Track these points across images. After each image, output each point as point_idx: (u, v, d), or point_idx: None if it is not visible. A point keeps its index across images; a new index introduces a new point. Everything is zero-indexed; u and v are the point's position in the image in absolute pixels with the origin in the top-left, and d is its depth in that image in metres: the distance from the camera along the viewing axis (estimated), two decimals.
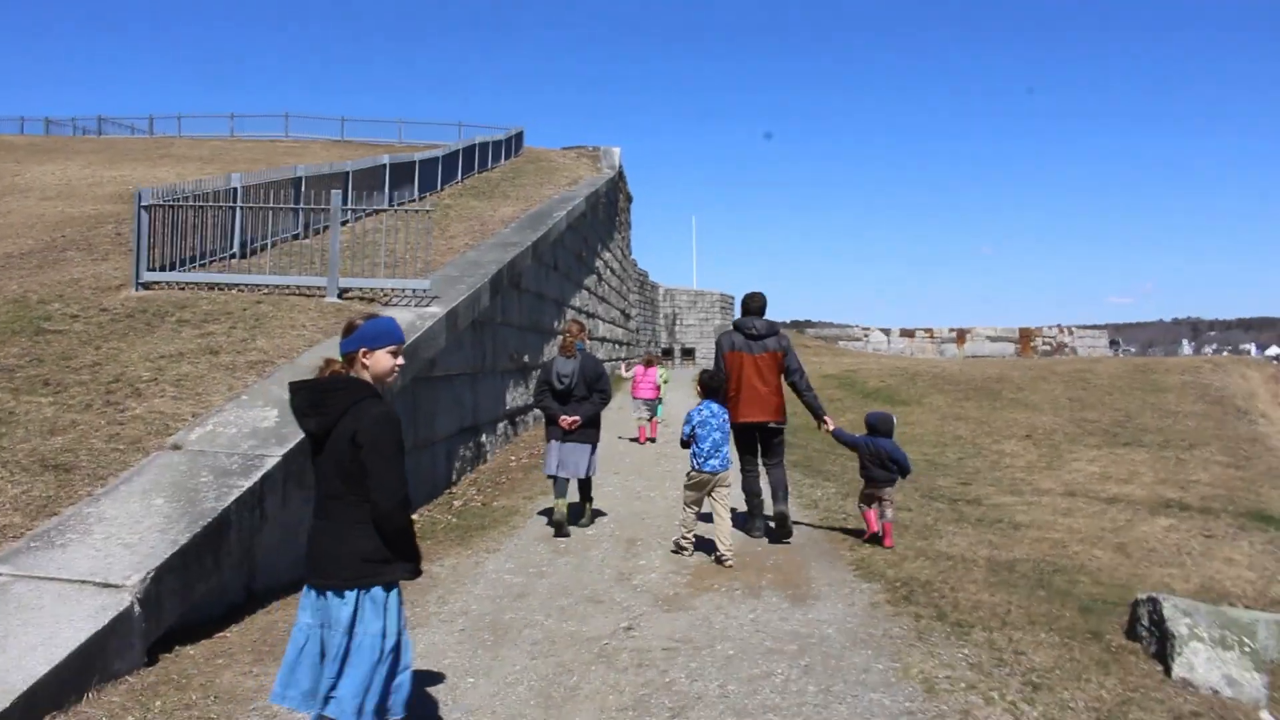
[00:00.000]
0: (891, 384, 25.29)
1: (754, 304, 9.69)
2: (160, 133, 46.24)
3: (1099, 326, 58.62)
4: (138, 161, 30.32)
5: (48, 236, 17.56)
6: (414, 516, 10.15)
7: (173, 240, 13.24)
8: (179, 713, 4.83)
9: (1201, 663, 5.87)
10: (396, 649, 4.04)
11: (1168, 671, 5.94)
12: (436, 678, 5.56)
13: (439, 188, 25.14)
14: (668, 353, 57.86)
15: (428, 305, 12.10)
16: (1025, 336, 49.56)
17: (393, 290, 12.65)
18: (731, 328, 9.74)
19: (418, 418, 10.94)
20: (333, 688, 3.90)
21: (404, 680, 4.07)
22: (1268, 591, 9.48)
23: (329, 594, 3.97)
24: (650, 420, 17.97)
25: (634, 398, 18.40)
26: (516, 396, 16.84)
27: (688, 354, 65.11)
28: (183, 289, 12.59)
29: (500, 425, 15.48)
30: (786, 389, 9.72)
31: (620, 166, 40.39)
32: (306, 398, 4.05)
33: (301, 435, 7.57)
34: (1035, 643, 6.39)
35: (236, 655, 5.80)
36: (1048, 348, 49.06)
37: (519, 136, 38.43)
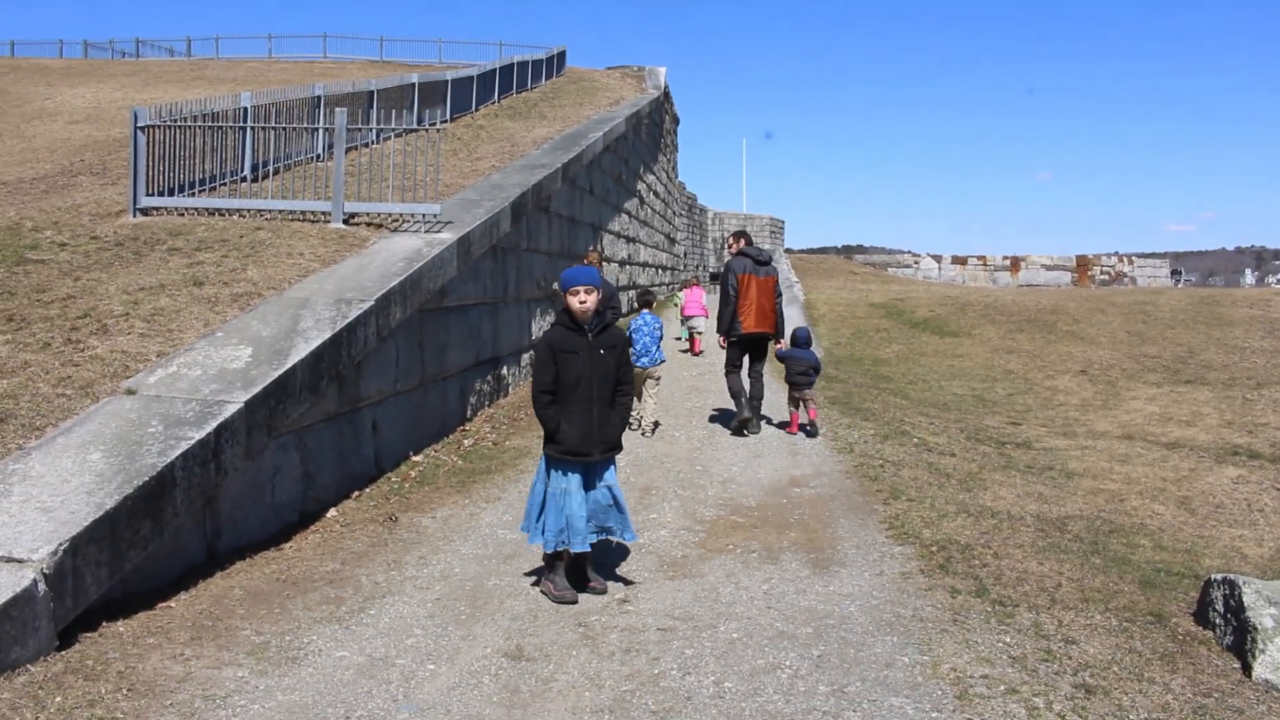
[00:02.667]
0: (940, 314, 24.19)
1: (751, 239, 11.49)
2: (198, 54, 45.49)
3: (1159, 255, 56.62)
4: (170, 83, 29.62)
5: (66, 161, 16.94)
6: (417, 458, 9.53)
7: (176, 163, 12.51)
8: (79, 711, 4.15)
9: None
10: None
11: (1247, 670, 5.07)
12: (392, 665, 4.85)
13: (474, 108, 24.18)
14: (715, 277, 56.78)
15: (438, 231, 11.30)
16: (1082, 265, 47.75)
17: (401, 215, 11.87)
18: (739, 255, 11.20)
19: (424, 352, 10.20)
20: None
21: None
22: None
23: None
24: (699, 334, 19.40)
25: (683, 316, 19.90)
26: (544, 325, 16.08)
27: None
28: (182, 215, 11.88)
29: (525, 356, 14.73)
30: None
31: (666, 86, 39.04)
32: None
33: (272, 377, 6.89)
34: (1089, 627, 5.55)
35: (173, 632, 5.13)
36: (1105, 277, 47.30)
37: (561, 56, 37.17)
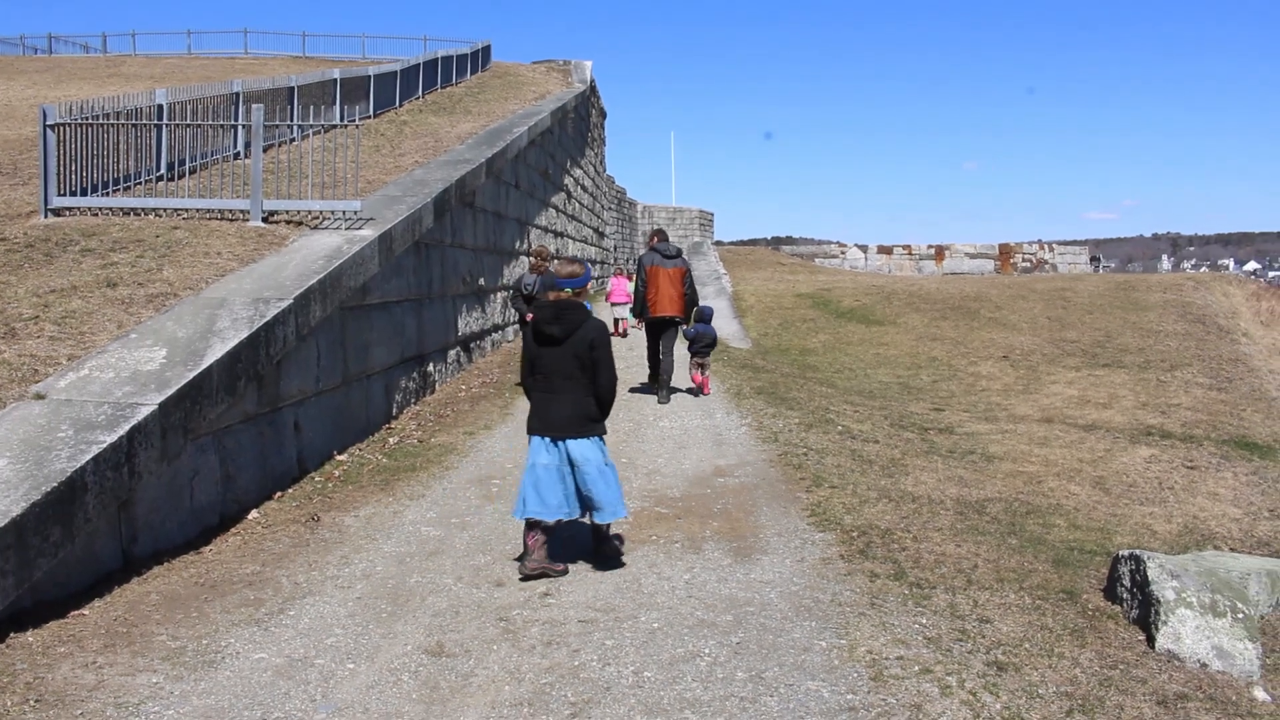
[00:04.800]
0: (866, 303, 24.48)
1: (667, 237, 13.45)
2: (114, 51, 44.46)
3: (1080, 242, 57.76)
4: (85, 80, 28.95)
5: None
6: (341, 457, 9.45)
7: (89, 162, 12.23)
8: None
9: (1189, 632, 5.17)
10: (611, 467, 6.36)
11: (1151, 642, 5.24)
12: (311, 665, 4.81)
13: (398, 103, 23.95)
14: None
15: (360, 228, 11.19)
16: (1005, 253, 48.59)
17: (322, 213, 11.73)
18: (651, 250, 13.13)
19: (347, 350, 10.11)
20: (592, 500, 6.24)
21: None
22: (1254, 530, 8.81)
23: (567, 441, 6.24)
24: (624, 320, 21.25)
25: (610, 303, 22.26)
26: (471, 322, 16.01)
27: None
28: (96, 215, 11.62)
29: (452, 353, 14.66)
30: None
31: (592, 80, 38.97)
32: (551, 311, 6.25)
33: (188, 378, 6.79)
34: (1003, 606, 5.68)
35: (86, 640, 5.04)
36: (1028, 264, 48.17)
37: (486, 50, 36.93)
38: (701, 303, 14.03)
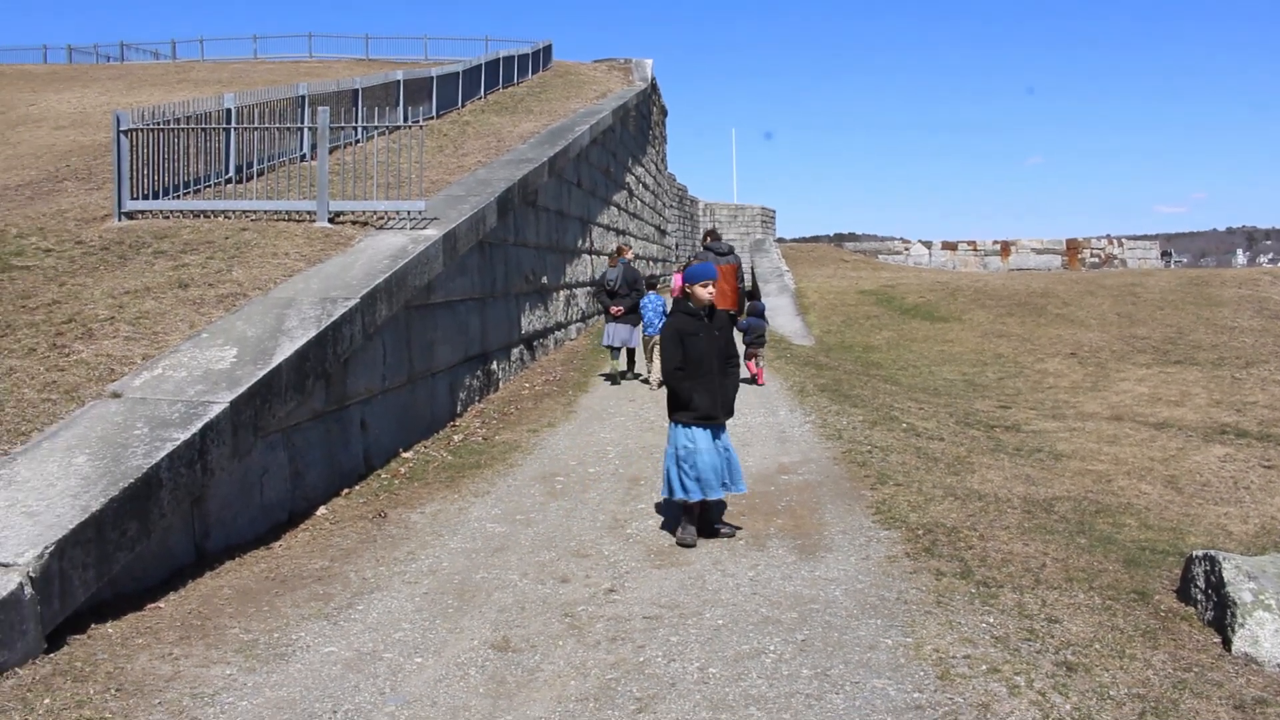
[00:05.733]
0: (930, 299, 24.21)
1: (720, 236, 14.93)
2: (183, 57, 45.38)
3: (1149, 237, 56.52)
4: (155, 87, 29.57)
5: (51, 166, 16.94)
6: (407, 455, 9.56)
7: (160, 166, 12.50)
8: (68, 712, 4.18)
9: (1268, 635, 5.04)
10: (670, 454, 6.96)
11: (1227, 644, 5.12)
12: (379, 659, 4.88)
13: (460, 104, 24.16)
14: None
15: (424, 228, 11.31)
16: (1072, 248, 47.73)
17: (387, 213, 11.87)
18: (705, 249, 14.55)
19: (412, 349, 10.22)
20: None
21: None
22: None
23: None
24: None
25: (673, 298, 20.79)
26: (534, 320, 16.11)
27: None
28: (167, 218, 11.87)
29: (515, 351, 14.76)
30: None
31: (653, 78, 38.97)
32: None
33: (258, 377, 6.92)
34: (1072, 606, 5.59)
35: (162, 632, 5.16)
36: (1096, 260, 47.29)
37: (547, 50, 37.11)
38: (763, 299, 15.60)
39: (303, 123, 15.14)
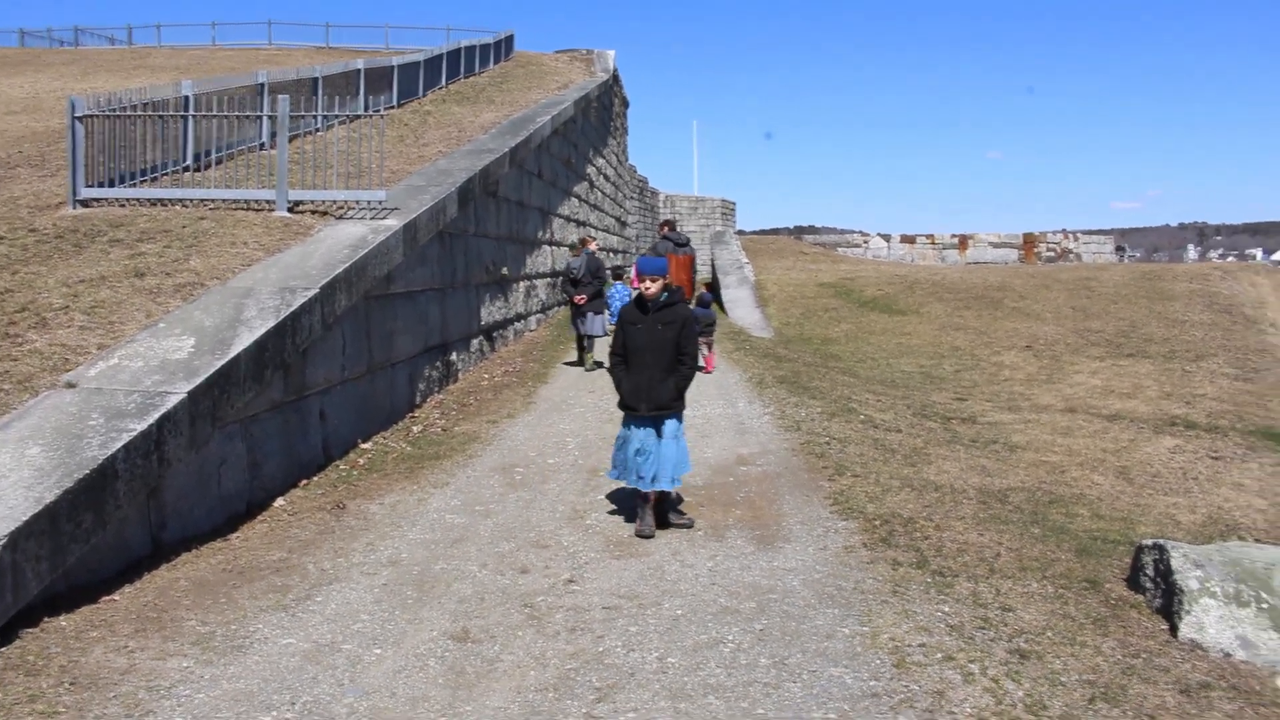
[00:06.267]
0: (889, 292, 24.39)
1: (676, 226, 16.03)
2: (139, 43, 44.72)
3: (1105, 232, 57.20)
4: (111, 73, 29.08)
5: (3, 153, 16.61)
6: (366, 446, 9.53)
7: (116, 153, 12.33)
8: (20, 706, 4.15)
9: (1213, 621, 5.17)
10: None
11: (1174, 631, 5.24)
12: (338, 650, 4.87)
13: (421, 93, 24.00)
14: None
15: (384, 218, 11.26)
16: (1029, 242, 48.20)
17: (347, 203, 11.80)
18: (663, 238, 16.10)
19: (372, 339, 10.18)
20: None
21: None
22: (1279, 521, 8.78)
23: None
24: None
25: (631, 289, 21.02)
26: (494, 311, 16.07)
27: None
28: (124, 206, 11.72)
29: (475, 341, 14.73)
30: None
31: (615, 69, 38.89)
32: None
33: (215, 367, 6.88)
34: (1025, 595, 5.69)
35: (117, 625, 5.12)
36: (1052, 254, 47.79)
37: (509, 40, 36.94)
38: (723, 291, 16.31)
39: (262, 111, 14.97)
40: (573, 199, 25.62)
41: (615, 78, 38.82)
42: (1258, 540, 7.85)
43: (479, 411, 11.46)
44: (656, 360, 6.85)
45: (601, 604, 5.51)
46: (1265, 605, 5.24)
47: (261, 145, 15.00)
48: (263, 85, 15.57)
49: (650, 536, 6.76)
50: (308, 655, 4.81)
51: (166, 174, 12.96)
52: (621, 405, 6.99)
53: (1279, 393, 14.08)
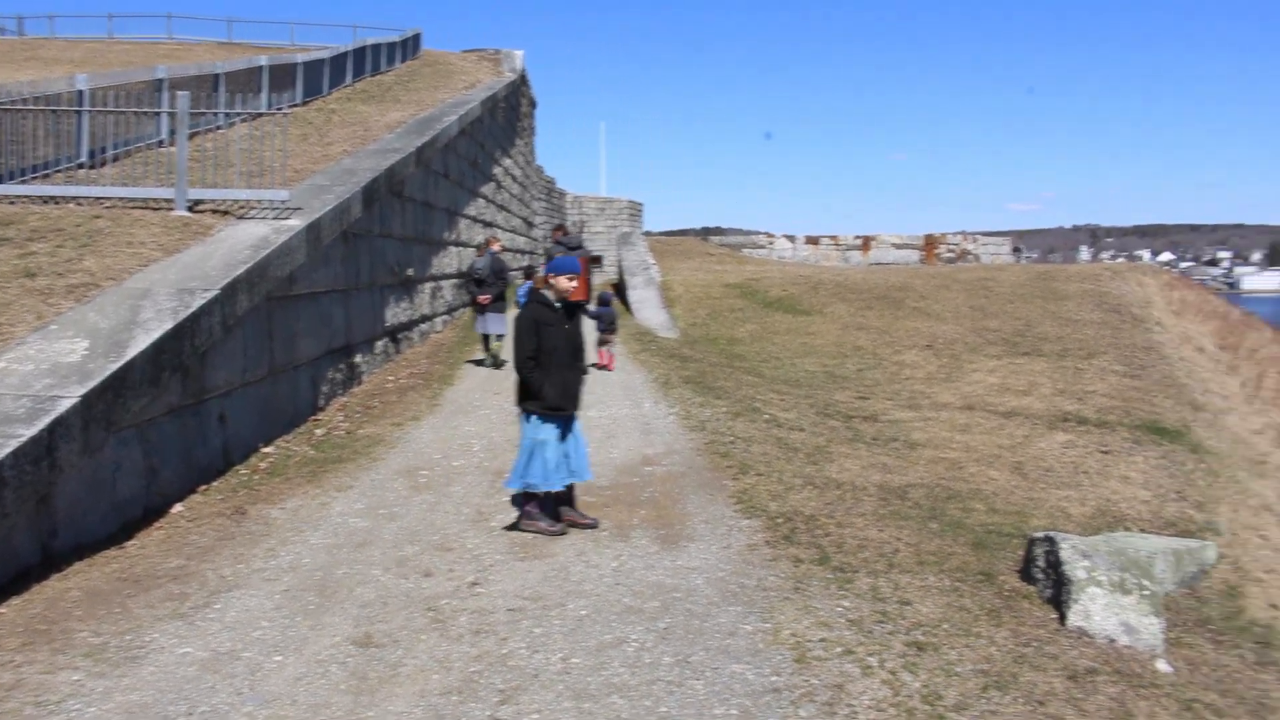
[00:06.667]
0: (793, 292, 24.69)
1: (568, 230, 16.07)
2: (31, 34, 43.17)
3: (1003, 233, 58.64)
4: (0, 64, 28.16)
5: None
6: (268, 450, 9.37)
7: (5, 149, 11.95)
8: None
9: (1099, 609, 5.37)
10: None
11: (1063, 619, 5.44)
12: (238, 658, 4.80)
13: (326, 92, 23.62)
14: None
15: (287, 218, 11.09)
16: (930, 244, 49.24)
17: (249, 202, 11.60)
18: (555, 242, 15.77)
19: (274, 341, 10.02)
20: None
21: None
22: (1162, 511, 9.12)
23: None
24: None
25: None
26: (399, 312, 15.91)
27: (595, 261, 64.00)
28: (13, 203, 11.35)
29: (380, 343, 14.57)
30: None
31: (523, 70, 38.75)
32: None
33: (110, 370, 6.72)
34: (923, 588, 5.84)
35: (3, 639, 4.98)
36: (952, 255, 48.89)
37: (416, 39, 36.54)
38: (630, 292, 16.30)
39: (162, 107, 14.64)
40: (479, 199, 25.47)
41: (523, 78, 38.68)
42: (1142, 530, 8.17)
43: (384, 414, 11.35)
44: (574, 359, 7.01)
45: (506, 606, 5.51)
46: (1147, 592, 5.45)
47: (160, 142, 14.65)
48: (162, 80, 15.21)
49: (563, 534, 6.82)
50: (206, 664, 4.73)
51: (60, 170, 12.60)
52: (548, 408, 6.85)
53: (1164, 389, 14.59)
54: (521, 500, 7.06)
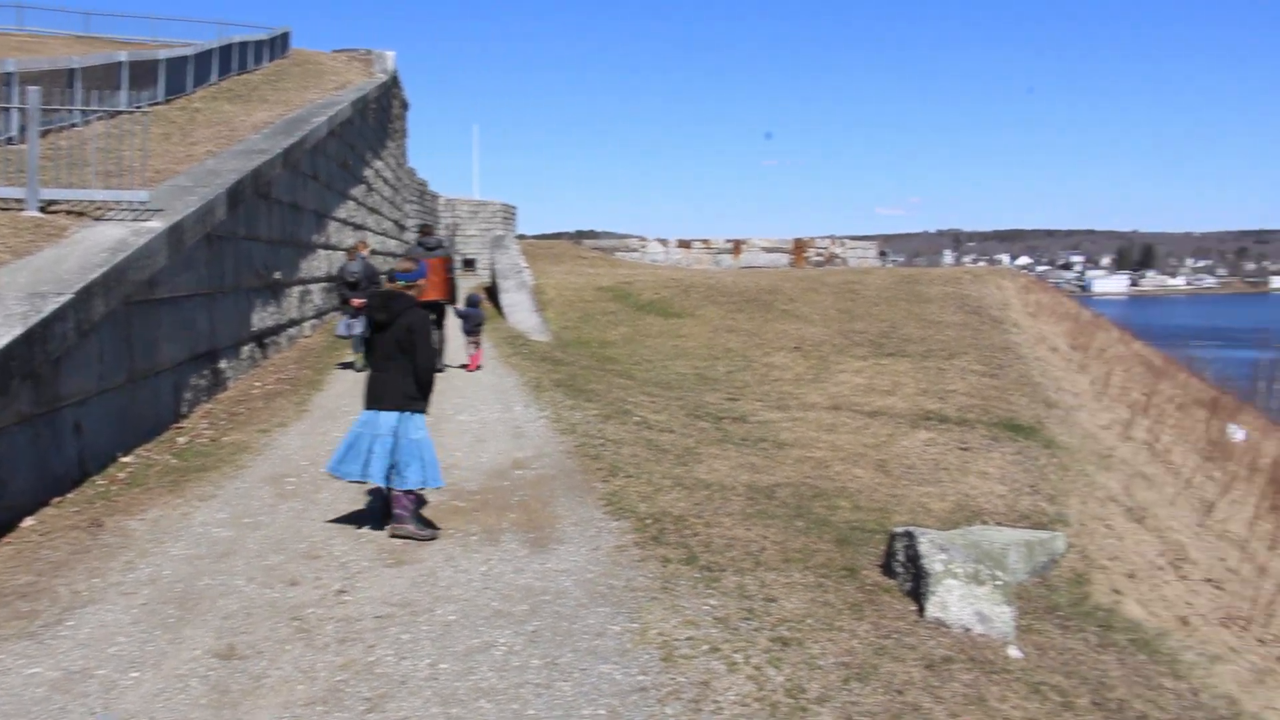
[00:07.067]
0: (665, 296, 24.92)
1: (431, 232, 15.19)
2: None
3: (869, 237, 60.17)
4: None
5: None
6: (127, 459, 9.09)
7: None
8: None
9: (955, 600, 5.59)
10: (428, 444, 7.03)
11: (921, 611, 5.64)
12: (91, 676, 4.66)
13: (190, 90, 22.96)
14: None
15: (147, 220, 10.76)
16: (799, 247, 50.21)
17: (107, 203, 11.22)
18: (416, 244, 15.03)
19: (133, 347, 9.70)
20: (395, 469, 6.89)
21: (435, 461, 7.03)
22: (1016, 505, 9.50)
23: (382, 413, 6.98)
24: None
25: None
26: (266, 316, 15.56)
27: (468, 264, 63.49)
28: None
29: (246, 348, 14.23)
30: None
31: (395, 71, 38.29)
32: (380, 300, 7.16)
33: None
34: (788, 585, 5.98)
35: None
36: (820, 258, 49.93)
37: (285, 37, 35.74)
38: (502, 295, 16.46)
39: (11, 102, 14.05)
40: (350, 202, 25.07)
41: (395, 79, 38.22)
42: (997, 523, 8.50)
43: (250, 420, 11.10)
44: (382, 363, 7.20)
45: (373, 613, 5.47)
46: (1000, 582, 5.69)
47: (9, 139, 14.06)
48: (11, 74, 14.62)
49: (435, 539, 6.92)
50: (56, 684, 4.58)
51: None
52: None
53: (1020, 388, 15.18)
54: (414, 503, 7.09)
